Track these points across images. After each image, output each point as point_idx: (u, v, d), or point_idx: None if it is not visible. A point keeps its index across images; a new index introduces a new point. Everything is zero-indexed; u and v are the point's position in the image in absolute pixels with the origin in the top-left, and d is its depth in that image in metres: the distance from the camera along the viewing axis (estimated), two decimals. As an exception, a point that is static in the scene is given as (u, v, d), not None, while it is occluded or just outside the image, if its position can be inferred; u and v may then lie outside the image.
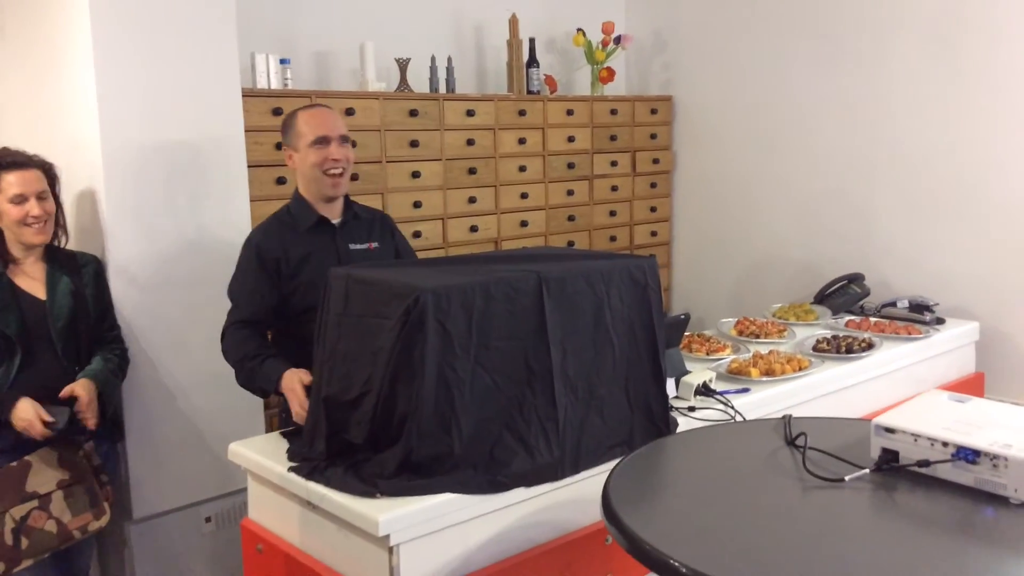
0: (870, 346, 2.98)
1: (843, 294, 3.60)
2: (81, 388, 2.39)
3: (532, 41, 4.09)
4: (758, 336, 3.16)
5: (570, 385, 2.05)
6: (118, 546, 2.85)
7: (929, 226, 3.70)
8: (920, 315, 3.32)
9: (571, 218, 4.20)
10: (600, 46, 4.32)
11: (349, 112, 3.35)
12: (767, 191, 4.24)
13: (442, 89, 3.78)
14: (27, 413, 2.29)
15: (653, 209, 4.59)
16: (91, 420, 2.40)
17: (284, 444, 2.14)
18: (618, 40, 4.35)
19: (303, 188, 2.51)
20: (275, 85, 3.23)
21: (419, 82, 3.76)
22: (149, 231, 2.78)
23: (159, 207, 2.79)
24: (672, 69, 4.65)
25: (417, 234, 3.61)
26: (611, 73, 4.34)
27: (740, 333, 3.24)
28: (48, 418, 2.31)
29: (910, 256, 3.75)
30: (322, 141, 2.41)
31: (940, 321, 3.36)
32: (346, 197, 2.57)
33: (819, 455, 1.71)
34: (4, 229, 2.45)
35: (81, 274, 2.59)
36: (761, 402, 2.51)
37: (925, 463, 1.55)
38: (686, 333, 3.21)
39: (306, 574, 1.96)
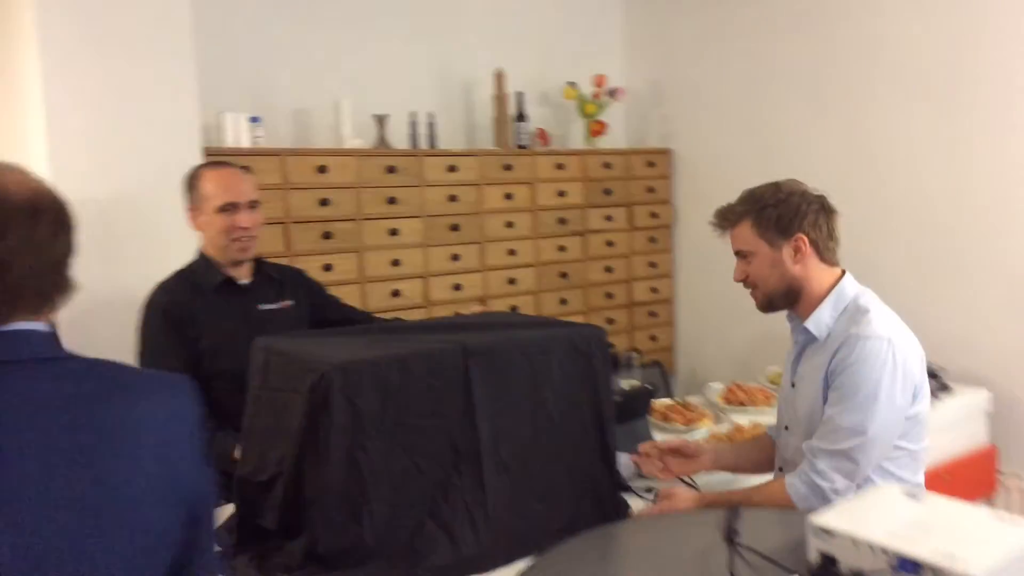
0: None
1: (843, 357, 3.38)
2: None
3: (520, 95, 4.00)
4: (744, 404, 2.97)
5: (502, 466, 1.89)
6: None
7: (937, 285, 3.49)
8: (922, 381, 3.10)
9: (564, 275, 4.06)
10: (592, 99, 4.21)
11: (322, 170, 3.27)
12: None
13: (423, 145, 3.69)
14: None
15: (653, 265, 4.43)
16: None
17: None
18: (612, 93, 4.24)
19: (209, 248, 2.40)
20: (244, 143, 3.16)
21: (401, 139, 3.68)
22: (96, 293, 2.69)
23: (108, 269, 2.71)
24: (671, 122, 4.52)
25: (396, 293, 3.49)
26: (602, 126, 4.23)
27: (728, 401, 3.05)
28: None
29: (916, 317, 3.47)
30: (229, 208, 2.32)
31: (946, 388, 3.14)
32: (257, 257, 2.46)
33: (755, 557, 1.53)
34: None
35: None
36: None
37: (859, 574, 1.36)
38: (667, 400, 3.04)
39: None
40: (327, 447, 1.68)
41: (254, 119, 3.19)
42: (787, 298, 2.00)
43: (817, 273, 1.99)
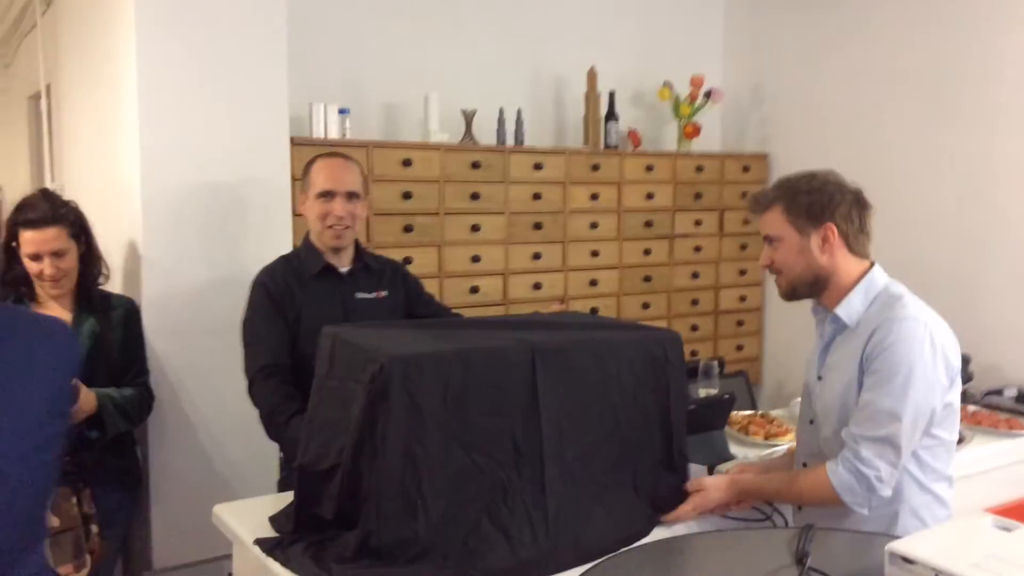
0: (959, 440, 2.59)
1: (942, 377, 3.19)
2: (83, 387, 2.31)
3: (612, 94, 3.93)
4: (830, 421, 2.82)
5: (566, 470, 1.83)
6: (136, 597, 2.80)
7: (1049, 305, 3.26)
8: (1027, 407, 2.89)
9: (647, 279, 3.96)
10: (688, 100, 4.10)
11: (407, 163, 3.27)
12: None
13: (509, 141, 3.65)
14: None
15: (743, 272, 4.29)
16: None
17: (275, 508, 2.02)
18: (709, 94, 4.12)
19: (312, 234, 2.45)
20: (333, 135, 3.19)
21: (488, 135, 3.65)
22: (186, 276, 2.76)
23: (198, 252, 2.77)
24: (769, 125, 4.37)
25: (475, 289, 3.47)
26: (696, 129, 4.11)
27: (814, 416, 2.91)
28: None
29: (1020, 333, 3.31)
30: (327, 195, 2.36)
31: (1053, 414, 2.92)
32: (358, 247, 2.51)
33: (826, 582, 1.43)
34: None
35: (110, 316, 2.58)
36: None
37: (940, 610, 1.25)
38: (749, 412, 2.93)
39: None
40: (384, 439, 1.65)
41: (343, 111, 3.21)
42: (812, 287, 1.98)
43: (845, 264, 1.96)
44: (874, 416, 1.82)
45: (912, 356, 1.81)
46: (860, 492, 1.82)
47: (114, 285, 2.81)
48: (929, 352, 1.83)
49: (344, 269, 2.45)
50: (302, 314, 2.37)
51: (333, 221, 2.37)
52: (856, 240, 1.96)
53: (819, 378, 2.01)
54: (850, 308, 1.94)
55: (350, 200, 2.38)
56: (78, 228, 2.52)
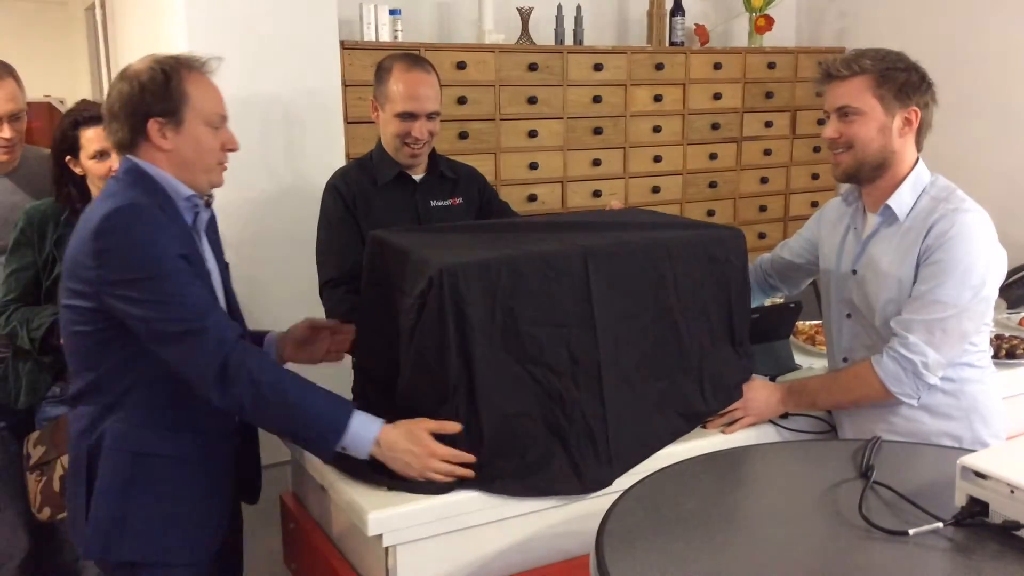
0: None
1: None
2: None
3: (677, -13, 3.72)
4: (904, 329, 2.70)
5: (624, 378, 1.78)
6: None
7: None
8: (1119, 315, 2.72)
9: (712, 185, 3.82)
10: (759, -9, 3.87)
11: (460, 66, 3.16)
12: (956, 159, 3.62)
13: (568, 41, 3.50)
14: None
15: (815, 176, 4.10)
16: None
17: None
18: (781, -15, 3.88)
19: (386, 143, 2.38)
20: (385, 37, 3.09)
21: (545, 34, 3.51)
22: (239, 187, 2.73)
23: (250, 163, 2.73)
24: (847, 17, 4.10)
25: (532, 197, 3.39)
26: (769, 22, 3.88)
27: (886, 324, 2.79)
28: None
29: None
30: (408, 117, 2.26)
31: None
32: (432, 152, 2.43)
33: (893, 496, 1.36)
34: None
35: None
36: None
37: (1015, 525, 1.17)
38: (816, 322, 2.82)
39: (326, 566, 1.82)
40: (436, 352, 1.61)
41: (394, 11, 3.10)
42: (875, 170, 1.89)
43: (907, 153, 1.89)
44: (929, 305, 1.77)
45: (974, 249, 1.77)
46: (907, 381, 1.79)
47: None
48: (990, 244, 1.80)
49: (418, 177, 2.40)
50: (375, 220, 2.30)
51: (411, 142, 2.29)
52: (923, 132, 1.89)
53: (853, 271, 1.94)
54: (901, 200, 1.87)
55: (430, 120, 2.30)
56: None
